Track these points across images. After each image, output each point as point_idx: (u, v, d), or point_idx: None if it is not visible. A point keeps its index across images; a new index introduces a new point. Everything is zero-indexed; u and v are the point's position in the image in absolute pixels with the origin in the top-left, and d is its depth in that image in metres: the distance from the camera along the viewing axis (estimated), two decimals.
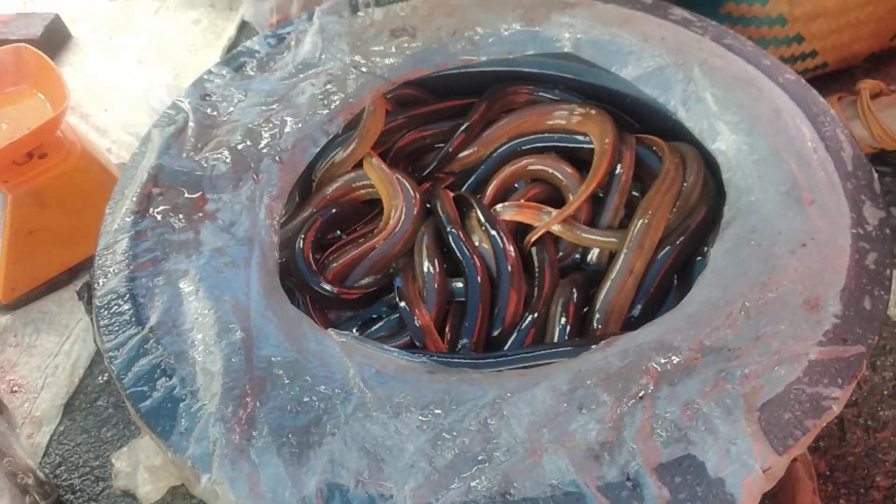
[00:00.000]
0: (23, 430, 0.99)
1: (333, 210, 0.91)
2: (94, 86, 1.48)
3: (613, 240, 0.86)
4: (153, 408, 0.63)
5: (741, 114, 0.84)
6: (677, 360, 0.62)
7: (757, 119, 0.83)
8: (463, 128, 0.98)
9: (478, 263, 0.85)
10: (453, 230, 0.88)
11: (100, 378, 1.04)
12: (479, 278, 0.84)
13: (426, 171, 1.00)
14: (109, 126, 1.39)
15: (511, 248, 0.86)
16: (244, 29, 1.57)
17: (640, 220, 0.82)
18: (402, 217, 0.89)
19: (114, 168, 1.19)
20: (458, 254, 0.86)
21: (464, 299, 0.85)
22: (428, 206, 0.94)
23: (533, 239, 0.89)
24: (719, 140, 0.83)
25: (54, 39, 1.58)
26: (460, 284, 0.86)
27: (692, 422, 0.59)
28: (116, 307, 0.71)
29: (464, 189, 0.98)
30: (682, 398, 0.60)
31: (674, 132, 0.94)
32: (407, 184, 0.92)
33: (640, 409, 0.60)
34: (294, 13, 1.46)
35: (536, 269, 0.88)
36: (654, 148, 0.92)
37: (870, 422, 0.98)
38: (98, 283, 0.73)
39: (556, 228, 0.88)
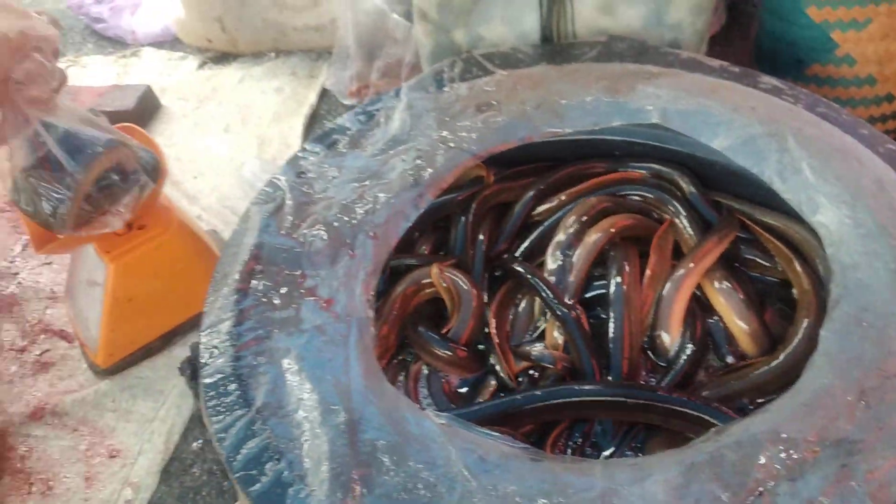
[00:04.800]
0: (122, 494, 1.02)
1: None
2: (184, 153, 1.55)
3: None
4: (263, 492, 0.64)
5: (841, 186, 0.82)
6: (795, 453, 0.60)
7: (859, 191, 0.81)
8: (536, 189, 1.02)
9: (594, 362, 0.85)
10: (566, 313, 0.88)
11: (194, 444, 1.07)
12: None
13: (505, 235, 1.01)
14: (199, 193, 1.45)
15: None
16: (325, 97, 1.62)
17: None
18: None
19: (205, 236, 1.24)
20: (579, 344, 0.86)
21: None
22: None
23: None
24: (820, 213, 0.81)
25: (146, 109, 1.67)
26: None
27: None
28: (223, 388, 0.73)
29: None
30: (803, 495, 0.58)
31: (767, 202, 0.93)
32: (466, 286, 0.93)
33: None
34: (373, 80, 1.50)
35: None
36: None
37: None
38: (206, 363, 0.75)
39: None
